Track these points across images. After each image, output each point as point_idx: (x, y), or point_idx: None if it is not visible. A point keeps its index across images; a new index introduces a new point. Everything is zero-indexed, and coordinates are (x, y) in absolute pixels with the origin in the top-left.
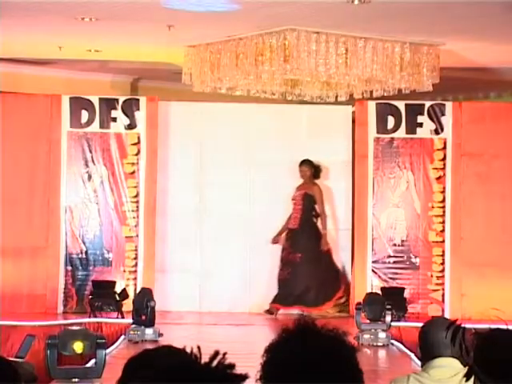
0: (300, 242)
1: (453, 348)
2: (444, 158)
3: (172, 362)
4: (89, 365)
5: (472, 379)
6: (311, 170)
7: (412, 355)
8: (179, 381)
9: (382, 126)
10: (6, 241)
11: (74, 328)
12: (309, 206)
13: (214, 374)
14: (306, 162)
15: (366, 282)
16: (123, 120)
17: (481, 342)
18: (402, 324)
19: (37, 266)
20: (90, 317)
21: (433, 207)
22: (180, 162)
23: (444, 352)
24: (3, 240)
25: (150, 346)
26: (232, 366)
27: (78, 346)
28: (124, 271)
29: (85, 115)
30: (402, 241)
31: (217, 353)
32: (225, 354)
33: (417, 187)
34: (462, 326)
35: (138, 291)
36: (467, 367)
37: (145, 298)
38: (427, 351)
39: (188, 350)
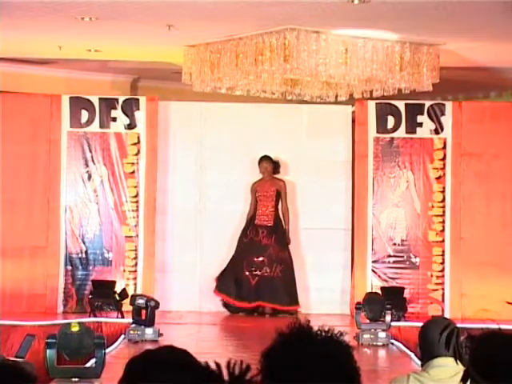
0: (282, 239)
1: (447, 352)
2: (444, 158)
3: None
4: (88, 364)
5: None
6: (272, 165)
7: (412, 355)
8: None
9: (381, 126)
10: (6, 241)
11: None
12: (278, 203)
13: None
14: (266, 158)
15: (366, 282)
16: (123, 120)
17: (475, 345)
18: (401, 324)
19: (37, 265)
20: (89, 316)
21: (433, 207)
22: (180, 161)
23: (444, 352)
24: (3, 240)
25: (149, 346)
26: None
27: (75, 326)
28: (124, 271)
29: (85, 115)
30: (402, 240)
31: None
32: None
33: (417, 187)
34: (456, 329)
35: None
36: (464, 370)
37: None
38: (427, 351)
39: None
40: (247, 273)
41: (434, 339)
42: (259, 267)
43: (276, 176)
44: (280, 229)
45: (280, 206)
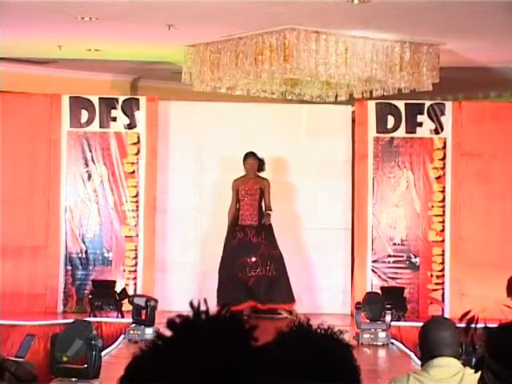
0: (269, 237)
1: (466, 339)
2: (444, 158)
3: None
4: (87, 365)
5: (472, 379)
6: (257, 162)
7: (412, 355)
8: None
9: (381, 126)
10: (5, 241)
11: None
12: (261, 201)
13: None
14: (253, 155)
15: (366, 282)
16: (123, 119)
17: (494, 333)
18: (401, 324)
19: (37, 265)
20: (89, 316)
21: (432, 207)
22: (180, 161)
23: (444, 351)
24: (3, 240)
25: None
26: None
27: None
28: (124, 271)
29: (85, 115)
30: (402, 240)
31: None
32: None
33: (417, 187)
34: (476, 317)
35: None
36: (476, 359)
37: (144, 298)
38: (427, 351)
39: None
40: (241, 275)
41: (434, 339)
42: (253, 268)
43: (260, 175)
44: (267, 226)
45: (263, 204)
